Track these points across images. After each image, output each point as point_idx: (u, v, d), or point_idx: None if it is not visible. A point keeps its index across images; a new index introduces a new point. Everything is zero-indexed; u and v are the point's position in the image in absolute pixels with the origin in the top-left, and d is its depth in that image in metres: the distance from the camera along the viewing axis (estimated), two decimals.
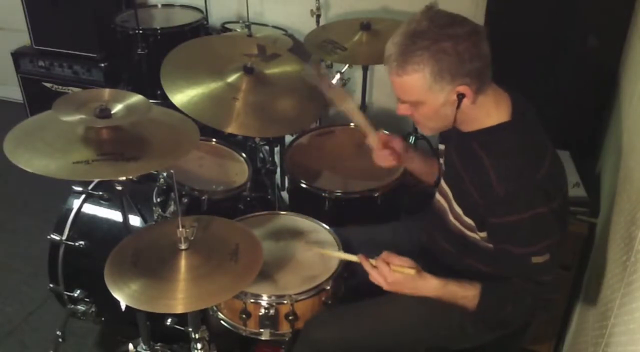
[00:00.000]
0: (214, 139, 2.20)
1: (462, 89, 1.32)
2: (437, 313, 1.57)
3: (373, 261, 1.48)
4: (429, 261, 1.69)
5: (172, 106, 1.80)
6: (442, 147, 1.64)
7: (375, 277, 1.46)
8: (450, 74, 1.29)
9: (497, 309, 1.45)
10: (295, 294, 1.59)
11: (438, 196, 1.61)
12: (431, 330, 1.60)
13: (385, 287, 1.46)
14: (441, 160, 1.64)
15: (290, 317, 1.60)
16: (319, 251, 1.70)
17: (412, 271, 1.42)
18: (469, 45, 1.28)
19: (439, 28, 1.28)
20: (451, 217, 1.53)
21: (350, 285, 1.74)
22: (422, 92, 1.33)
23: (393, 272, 1.43)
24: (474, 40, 1.29)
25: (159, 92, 2.04)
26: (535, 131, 1.42)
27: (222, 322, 1.69)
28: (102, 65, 3.11)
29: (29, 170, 1.36)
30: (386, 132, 2.03)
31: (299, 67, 2.16)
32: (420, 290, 1.45)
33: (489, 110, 1.40)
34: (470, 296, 1.44)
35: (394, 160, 1.75)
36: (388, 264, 1.44)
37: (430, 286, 1.44)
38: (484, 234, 1.44)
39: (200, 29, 2.98)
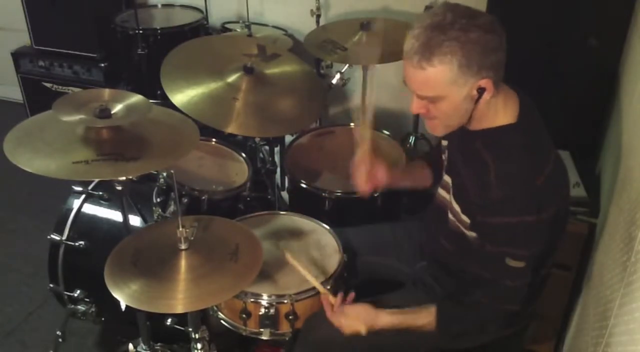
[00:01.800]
0: (214, 139, 2.20)
1: (484, 82, 1.29)
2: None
3: (333, 300, 1.54)
4: (429, 261, 1.70)
5: (172, 106, 1.80)
6: (444, 142, 1.63)
7: (333, 320, 1.53)
8: (477, 65, 1.26)
9: (458, 326, 1.48)
10: (295, 294, 1.59)
11: (440, 190, 1.61)
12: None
13: (345, 331, 1.52)
14: (444, 156, 1.63)
15: (290, 317, 1.60)
16: (299, 270, 1.63)
17: (363, 330, 1.50)
18: (493, 35, 1.27)
19: (466, 19, 1.26)
20: (450, 214, 1.53)
21: (350, 285, 1.74)
22: (446, 85, 1.29)
23: (346, 318, 1.51)
24: (498, 31, 1.28)
25: (159, 92, 2.04)
26: (540, 134, 1.42)
27: (222, 322, 1.69)
28: (102, 65, 3.11)
29: (29, 170, 1.36)
30: (389, 135, 2.05)
31: (300, 67, 2.16)
32: (378, 327, 1.51)
33: (498, 110, 1.38)
34: (426, 324, 1.48)
35: (366, 188, 1.72)
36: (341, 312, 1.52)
37: (385, 321, 1.50)
38: (474, 234, 1.45)
39: (200, 29, 2.98)
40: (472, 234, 1.46)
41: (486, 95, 1.32)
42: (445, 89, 1.30)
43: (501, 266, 1.37)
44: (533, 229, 1.33)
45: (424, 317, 1.48)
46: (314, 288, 1.61)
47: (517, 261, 1.36)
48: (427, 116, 1.40)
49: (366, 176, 1.70)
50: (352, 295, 1.56)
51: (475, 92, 1.31)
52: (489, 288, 1.43)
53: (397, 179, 1.78)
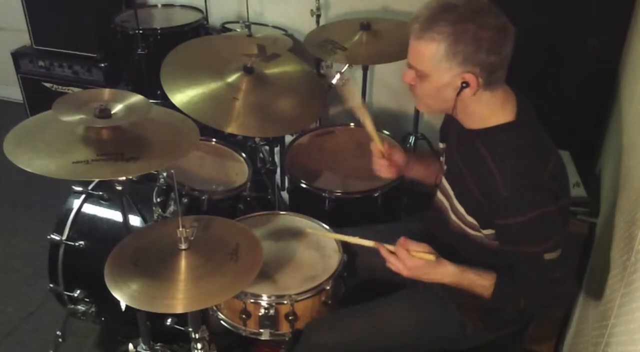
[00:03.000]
0: (214, 139, 2.20)
1: (468, 77, 1.31)
2: (436, 315, 1.57)
3: (391, 247, 1.46)
4: None
5: (172, 106, 1.80)
6: (442, 145, 1.63)
7: (394, 263, 1.45)
8: (463, 56, 1.29)
9: (510, 301, 1.45)
10: (295, 294, 1.59)
11: (439, 195, 1.61)
12: (431, 331, 1.60)
13: (405, 273, 1.45)
14: (442, 159, 1.63)
15: (290, 318, 1.60)
16: (336, 236, 1.69)
17: (432, 256, 1.42)
18: (492, 37, 1.27)
19: (472, 10, 1.28)
20: (453, 216, 1.52)
21: (350, 285, 1.74)
22: (431, 64, 1.32)
23: (412, 258, 1.43)
24: (500, 35, 1.29)
25: (159, 92, 2.04)
26: (539, 131, 1.42)
27: (222, 322, 1.69)
28: (102, 65, 3.11)
29: (29, 170, 1.36)
30: (389, 135, 2.03)
31: (300, 67, 2.16)
32: (438, 276, 1.45)
33: (495, 110, 1.39)
34: (486, 285, 1.43)
35: (391, 173, 1.72)
36: (407, 249, 1.44)
37: (448, 271, 1.44)
38: (487, 232, 1.44)
39: (200, 29, 2.98)
40: (484, 232, 1.45)
41: (468, 92, 1.33)
42: (430, 67, 1.33)
43: (541, 263, 1.36)
44: (556, 217, 1.34)
45: (485, 278, 1.43)
46: (314, 288, 1.61)
47: (553, 252, 1.35)
48: (413, 90, 1.43)
49: (388, 163, 1.70)
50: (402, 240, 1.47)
51: (458, 83, 1.33)
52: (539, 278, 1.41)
53: (413, 163, 1.77)
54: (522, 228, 1.34)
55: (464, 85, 1.32)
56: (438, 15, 1.29)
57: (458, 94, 1.34)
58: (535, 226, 1.33)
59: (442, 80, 1.34)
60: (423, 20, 1.31)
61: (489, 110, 1.39)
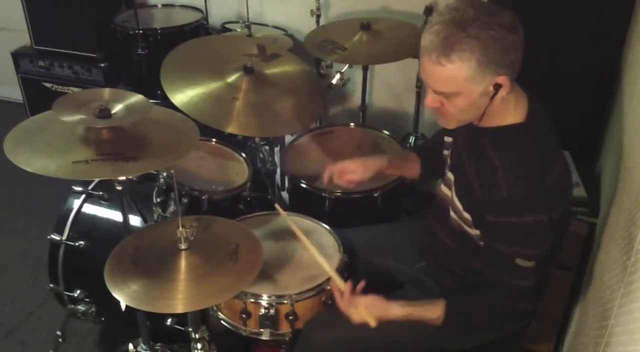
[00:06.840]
0: (214, 139, 2.20)
1: (501, 79, 1.28)
2: None
3: (342, 286, 1.53)
4: (429, 260, 1.70)
5: (172, 106, 1.80)
6: (448, 139, 1.63)
7: (339, 302, 1.52)
8: (495, 63, 1.26)
9: (464, 323, 1.48)
10: (295, 294, 1.59)
11: (443, 187, 1.61)
12: (431, 331, 1.60)
13: (353, 321, 1.50)
14: (446, 153, 1.63)
15: (290, 317, 1.60)
16: (315, 256, 1.66)
17: (372, 322, 1.47)
18: (514, 34, 1.26)
19: (488, 16, 1.25)
20: (452, 212, 1.53)
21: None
22: (463, 82, 1.28)
23: (356, 310, 1.49)
24: (518, 30, 1.27)
25: (159, 92, 2.04)
26: (548, 134, 1.41)
27: (222, 322, 1.69)
28: (102, 65, 3.11)
29: (29, 170, 1.36)
30: (389, 135, 2.03)
31: (300, 67, 2.16)
32: (385, 317, 1.49)
33: (508, 109, 1.38)
34: (434, 317, 1.47)
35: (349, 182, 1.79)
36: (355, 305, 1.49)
37: (395, 312, 1.49)
38: (478, 232, 1.45)
39: (200, 29, 2.98)
40: (474, 231, 1.46)
41: (502, 92, 1.31)
42: (462, 86, 1.29)
43: (511, 266, 1.37)
44: (545, 228, 1.33)
45: (434, 311, 1.47)
46: (314, 288, 1.61)
47: (527, 260, 1.35)
48: (440, 110, 1.39)
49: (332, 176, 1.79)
50: (362, 284, 1.53)
51: (491, 89, 1.30)
52: (502, 288, 1.41)
53: (384, 168, 1.80)
54: (509, 228, 1.35)
55: (496, 88, 1.30)
56: (455, 34, 1.24)
57: (492, 98, 1.32)
58: (522, 230, 1.34)
59: (477, 92, 1.30)
60: (440, 44, 1.25)
61: (503, 109, 1.38)
